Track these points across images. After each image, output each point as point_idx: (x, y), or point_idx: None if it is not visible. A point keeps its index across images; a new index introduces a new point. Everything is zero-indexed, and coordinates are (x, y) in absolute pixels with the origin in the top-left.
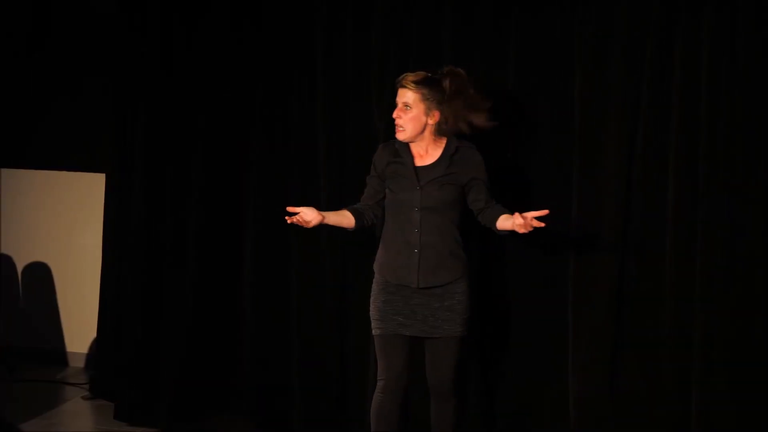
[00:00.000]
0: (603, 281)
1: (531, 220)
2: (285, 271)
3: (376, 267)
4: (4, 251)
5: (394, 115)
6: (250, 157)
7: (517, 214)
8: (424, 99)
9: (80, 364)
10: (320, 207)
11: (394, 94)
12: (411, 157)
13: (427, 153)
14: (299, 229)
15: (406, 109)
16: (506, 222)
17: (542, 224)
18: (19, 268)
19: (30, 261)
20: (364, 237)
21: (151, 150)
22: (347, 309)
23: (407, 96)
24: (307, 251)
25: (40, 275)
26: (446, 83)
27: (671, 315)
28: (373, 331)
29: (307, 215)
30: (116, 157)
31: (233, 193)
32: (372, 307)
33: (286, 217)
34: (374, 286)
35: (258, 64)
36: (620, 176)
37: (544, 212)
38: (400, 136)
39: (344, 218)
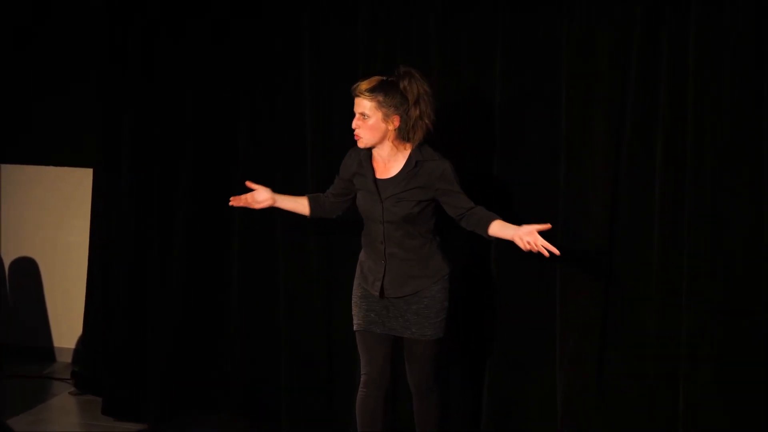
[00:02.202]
0: (590, 279)
1: (538, 243)
2: (272, 267)
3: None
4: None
5: (353, 125)
6: (237, 151)
7: (521, 230)
8: (381, 106)
9: (68, 359)
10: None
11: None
12: (372, 170)
13: (388, 164)
14: (285, 225)
15: (364, 119)
16: (504, 231)
17: (555, 250)
18: (6, 263)
19: (17, 256)
20: (351, 233)
21: (138, 145)
22: (334, 305)
23: (363, 105)
24: (294, 247)
25: (28, 270)
26: (404, 84)
27: (658, 312)
28: (354, 327)
29: (260, 195)
30: (103, 152)
31: (220, 189)
32: (352, 302)
33: (232, 198)
34: (354, 281)
35: (244, 58)
36: (607, 175)
37: (546, 226)
38: (360, 144)
39: (298, 204)
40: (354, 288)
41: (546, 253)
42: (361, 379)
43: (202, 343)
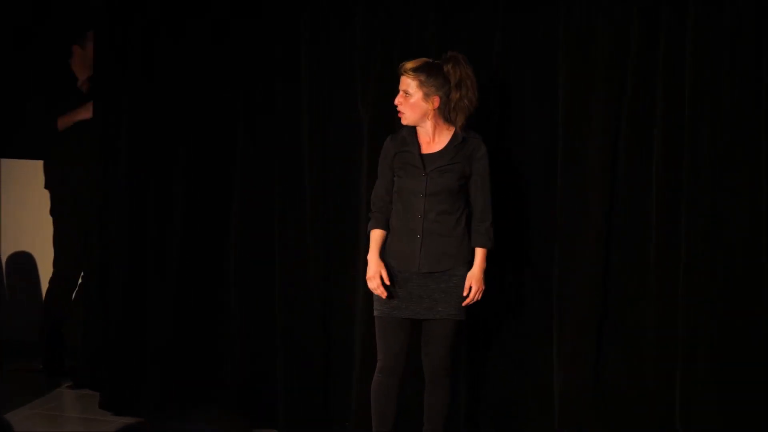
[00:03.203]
0: (587, 276)
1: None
2: (270, 264)
3: (383, 253)
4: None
5: (395, 101)
6: (235, 150)
7: (470, 279)
8: (422, 85)
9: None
10: (304, 198)
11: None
12: (417, 144)
13: (433, 140)
14: (283, 222)
15: (406, 96)
16: (475, 258)
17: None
18: (4, 258)
19: (15, 251)
20: (346, 231)
21: (136, 142)
22: (332, 301)
23: (406, 83)
24: (291, 244)
25: (25, 265)
26: (448, 68)
27: (656, 312)
28: (374, 313)
29: (386, 278)
30: (101, 149)
31: (218, 187)
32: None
33: (377, 290)
34: None
35: (243, 58)
36: (605, 171)
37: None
38: (403, 120)
39: (381, 237)
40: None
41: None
42: (377, 365)
43: (200, 339)
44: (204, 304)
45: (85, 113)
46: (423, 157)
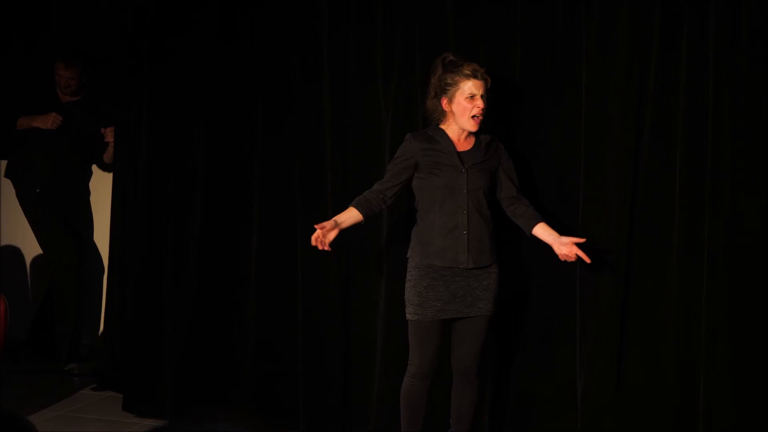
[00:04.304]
0: (610, 276)
1: (573, 253)
2: (289, 264)
3: (414, 254)
4: (12, 243)
5: (483, 107)
6: (254, 147)
7: (561, 240)
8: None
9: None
10: (325, 199)
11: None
12: (450, 142)
13: (462, 140)
14: (304, 218)
15: (483, 100)
16: (546, 236)
17: (587, 259)
18: (27, 260)
19: (38, 253)
20: (369, 229)
21: (154, 143)
22: (352, 301)
23: (485, 87)
24: (312, 247)
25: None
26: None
27: (678, 310)
28: (409, 317)
29: (331, 234)
30: (121, 151)
31: (237, 185)
32: (411, 292)
33: (315, 242)
34: (413, 272)
35: (262, 54)
36: (627, 170)
37: (582, 240)
38: (477, 126)
39: (352, 217)
40: (415, 279)
41: (587, 259)
42: (409, 368)
43: (219, 340)
44: (223, 305)
45: (43, 122)
46: (460, 154)
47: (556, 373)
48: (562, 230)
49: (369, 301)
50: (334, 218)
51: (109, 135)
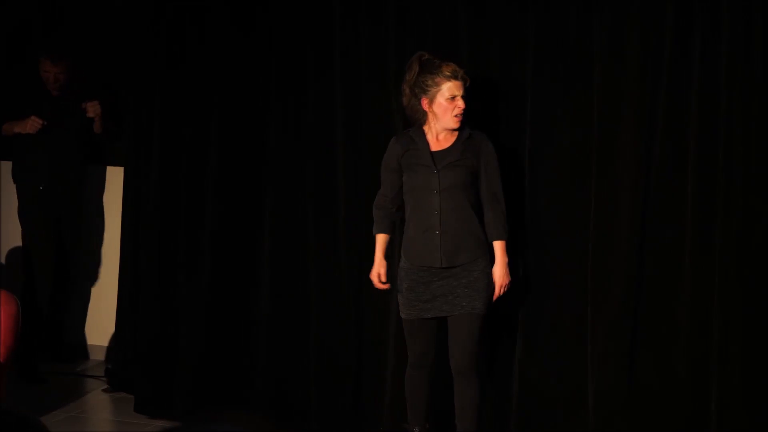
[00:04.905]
0: (621, 277)
1: (496, 291)
2: (302, 265)
3: (401, 253)
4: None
5: (463, 107)
6: (266, 147)
7: (495, 272)
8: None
9: (101, 357)
10: (337, 200)
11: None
12: (426, 143)
13: (441, 139)
14: (317, 221)
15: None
16: (495, 253)
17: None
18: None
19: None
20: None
21: (166, 143)
22: (364, 302)
23: (464, 88)
24: (324, 244)
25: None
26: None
27: (689, 311)
28: (401, 314)
29: (384, 277)
30: (133, 151)
31: (249, 186)
32: (398, 293)
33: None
34: (400, 273)
35: (274, 53)
36: (639, 168)
37: (497, 293)
38: (459, 125)
39: (385, 241)
40: (400, 279)
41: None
42: (409, 361)
43: (231, 341)
44: (236, 306)
45: (22, 128)
46: (433, 154)
47: (567, 375)
48: (574, 229)
49: (381, 303)
50: (378, 258)
51: (90, 110)
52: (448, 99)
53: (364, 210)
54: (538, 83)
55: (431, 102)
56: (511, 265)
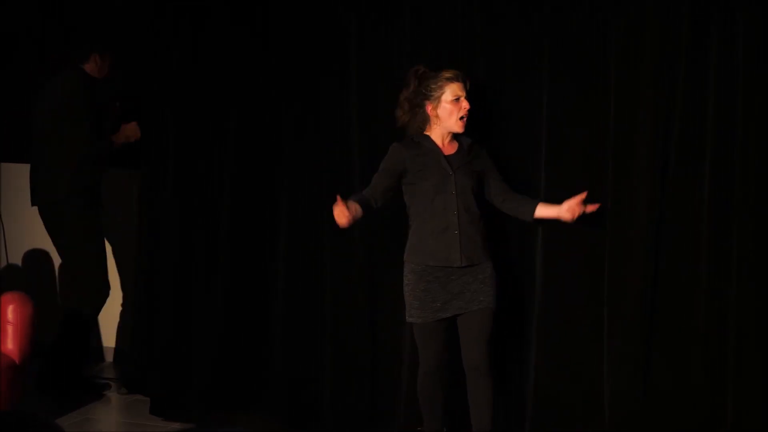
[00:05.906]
0: (637, 279)
1: (578, 206)
2: (318, 266)
3: (409, 257)
4: (41, 246)
5: (468, 108)
6: (281, 151)
7: (563, 207)
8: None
9: (109, 358)
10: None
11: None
12: (437, 147)
13: (447, 144)
14: (332, 223)
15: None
16: (548, 211)
17: (594, 207)
18: (56, 263)
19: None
20: (396, 232)
21: (182, 146)
22: (379, 303)
23: (465, 90)
24: (339, 246)
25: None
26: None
27: (706, 313)
28: (410, 319)
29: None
30: (150, 155)
31: (265, 189)
32: (410, 296)
33: (340, 212)
34: (410, 276)
35: (289, 56)
36: (655, 169)
37: (583, 195)
38: (463, 128)
39: (360, 209)
40: (412, 283)
41: (591, 208)
42: (420, 370)
43: (246, 342)
44: (251, 310)
45: (127, 138)
46: (447, 158)
47: (583, 377)
48: (590, 230)
49: (396, 306)
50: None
51: (131, 132)
52: (452, 101)
53: (379, 211)
54: (554, 88)
55: (436, 106)
56: (526, 266)
